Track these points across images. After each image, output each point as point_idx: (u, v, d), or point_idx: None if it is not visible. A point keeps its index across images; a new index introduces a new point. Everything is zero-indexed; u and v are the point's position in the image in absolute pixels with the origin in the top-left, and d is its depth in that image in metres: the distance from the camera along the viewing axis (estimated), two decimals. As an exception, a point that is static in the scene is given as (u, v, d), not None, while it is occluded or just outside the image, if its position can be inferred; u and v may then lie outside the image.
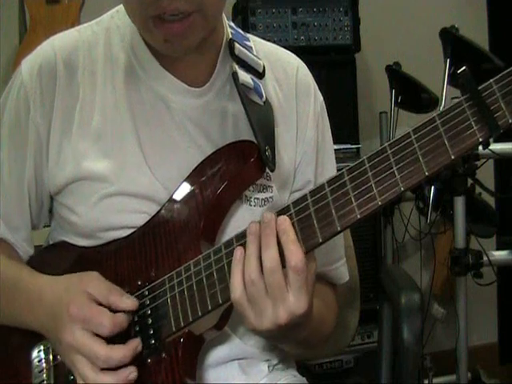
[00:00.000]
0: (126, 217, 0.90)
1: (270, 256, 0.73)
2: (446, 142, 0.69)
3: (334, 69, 2.25)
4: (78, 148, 0.90)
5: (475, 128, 0.68)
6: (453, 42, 2.02)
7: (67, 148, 0.91)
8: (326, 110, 1.03)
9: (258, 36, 1.06)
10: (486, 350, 2.66)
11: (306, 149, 0.99)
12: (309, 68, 1.05)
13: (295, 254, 0.73)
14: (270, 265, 0.73)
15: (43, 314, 0.86)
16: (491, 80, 0.68)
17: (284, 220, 0.75)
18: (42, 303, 0.86)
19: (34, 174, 0.94)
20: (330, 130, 1.04)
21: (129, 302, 0.84)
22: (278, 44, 1.06)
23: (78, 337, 0.80)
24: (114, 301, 0.83)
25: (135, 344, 0.82)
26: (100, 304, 0.82)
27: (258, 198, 0.92)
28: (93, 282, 0.84)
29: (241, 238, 0.79)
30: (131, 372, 0.81)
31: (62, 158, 0.91)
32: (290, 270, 0.73)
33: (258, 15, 2.18)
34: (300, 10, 2.21)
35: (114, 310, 0.82)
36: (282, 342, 0.96)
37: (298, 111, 0.98)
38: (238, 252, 0.77)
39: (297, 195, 0.78)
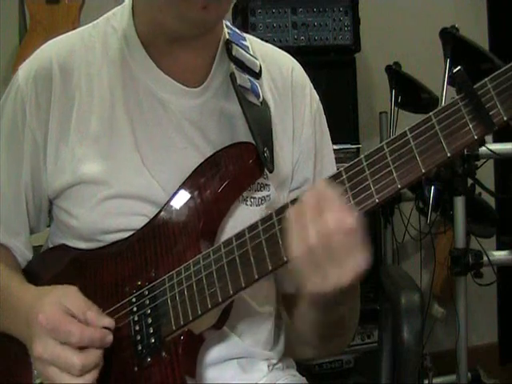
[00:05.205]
0: (124, 219, 0.89)
1: (335, 217, 0.70)
2: (442, 140, 0.70)
3: (333, 69, 2.25)
4: (75, 152, 0.90)
5: (470, 126, 0.69)
6: (453, 42, 2.02)
7: (65, 152, 0.91)
8: (322, 109, 1.03)
9: (258, 36, 1.06)
10: (485, 350, 2.66)
11: (303, 148, 0.99)
12: (309, 68, 1.04)
13: (347, 215, 0.70)
14: (334, 226, 0.70)
15: (19, 321, 0.85)
16: (486, 79, 0.68)
17: None
18: (19, 310, 0.85)
19: (31, 178, 0.94)
20: (327, 128, 1.04)
21: (106, 320, 0.82)
22: (277, 44, 1.06)
23: (48, 348, 0.78)
24: (92, 317, 0.81)
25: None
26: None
27: (254, 197, 0.92)
28: (70, 296, 0.83)
29: (240, 237, 0.79)
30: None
31: (60, 163, 0.91)
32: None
33: (257, 15, 2.18)
34: (300, 10, 2.21)
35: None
36: (325, 315, 0.89)
37: (293, 111, 0.99)
38: (292, 211, 0.73)
39: (296, 193, 0.78)
